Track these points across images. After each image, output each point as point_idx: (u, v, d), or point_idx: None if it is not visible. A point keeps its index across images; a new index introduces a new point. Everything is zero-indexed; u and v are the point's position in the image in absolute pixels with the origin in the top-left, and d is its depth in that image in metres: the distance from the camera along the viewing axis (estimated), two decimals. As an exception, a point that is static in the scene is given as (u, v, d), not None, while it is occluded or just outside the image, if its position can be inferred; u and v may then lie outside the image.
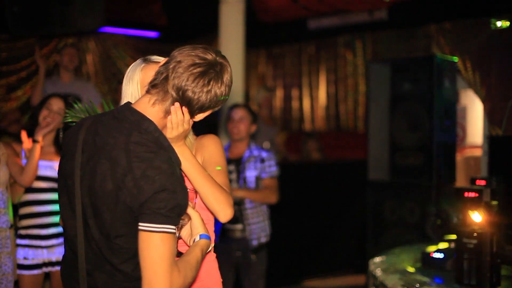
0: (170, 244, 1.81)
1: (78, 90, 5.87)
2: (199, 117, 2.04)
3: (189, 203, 2.03)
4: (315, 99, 8.69)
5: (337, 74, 8.39)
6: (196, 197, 2.23)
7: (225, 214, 2.24)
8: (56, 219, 4.03)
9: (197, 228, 2.02)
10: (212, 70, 1.93)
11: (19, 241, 3.99)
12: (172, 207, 1.81)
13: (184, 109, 1.97)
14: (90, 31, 6.97)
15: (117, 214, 1.84)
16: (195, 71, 1.92)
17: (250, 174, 4.51)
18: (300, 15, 8.00)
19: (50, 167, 4.03)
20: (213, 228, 2.43)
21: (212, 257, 2.45)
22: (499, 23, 5.49)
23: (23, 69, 7.05)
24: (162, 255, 1.79)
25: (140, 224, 1.81)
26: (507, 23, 5.46)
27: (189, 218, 2.03)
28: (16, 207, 4.07)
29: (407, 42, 7.21)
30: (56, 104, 4.04)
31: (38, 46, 6.61)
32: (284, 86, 9.08)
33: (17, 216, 4.07)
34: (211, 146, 2.42)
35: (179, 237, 2.06)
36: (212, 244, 2.24)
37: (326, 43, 8.41)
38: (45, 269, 4.00)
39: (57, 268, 4.01)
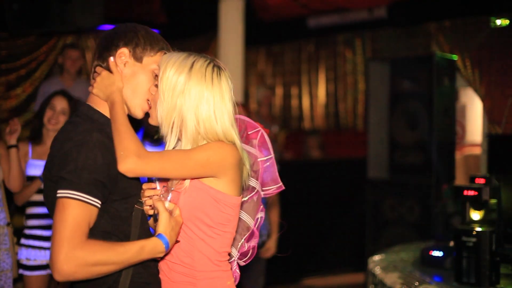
0: (73, 212, 1.78)
1: (80, 92, 5.85)
2: (151, 59, 2.08)
3: (163, 200, 1.99)
4: (315, 97, 8.69)
5: (336, 72, 8.38)
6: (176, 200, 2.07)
7: (123, 163, 1.86)
8: None
9: (158, 226, 1.93)
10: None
11: (23, 241, 3.99)
12: (72, 169, 1.81)
13: (111, 61, 2.04)
14: (89, 29, 6.96)
15: (51, 196, 1.88)
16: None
17: None
18: (299, 13, 8.00)
19: None
20: (226, 243, 2.15)
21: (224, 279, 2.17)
22: (498, 22, 5.49)
23: (23, 67, 7.04)
24: (62, 222, 1.77)
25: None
26: (507, 22, 5.46)
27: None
28: (23, 207, 4.06)
29: (406, 40, 7.21)
30: (60, 104, 4.02)
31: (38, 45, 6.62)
32: (284, 84, 9.07)
33: (24, 216, 4.07)
34: None
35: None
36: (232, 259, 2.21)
37: (326, 41, 8.40)
38: (49, 271, 3.98)
39: None
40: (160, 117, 2.07)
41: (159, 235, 1.91)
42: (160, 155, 1.97)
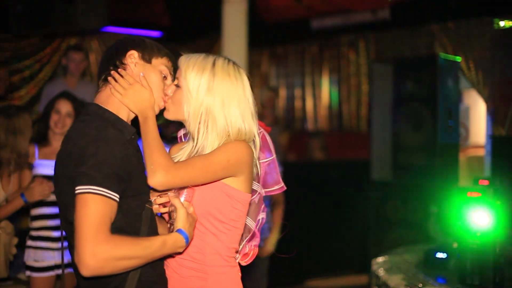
0: (96, 207, 1.79)
1: (85, 93, 5.84)
2: (158, 61, 2.11)
3: (179, 197, 2.02)
4: (318, 99, 8.69)
5: (340, 74, 8.38)
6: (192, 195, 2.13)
7: (153, 177, 1.95)
8: None
9: (177, 221, 1.97)
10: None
11: (30, 243, 3.96)
12: (92, 164, 1.81)
13: (121, 70, 2.06)
14: (93, 31, 6.97)
15: (67, 193, 1.88)
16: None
17: None
18: (303, 14, 8.00)
19: None
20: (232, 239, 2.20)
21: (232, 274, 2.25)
22: (502, 23, 5.49)
23: (26, 69, 7.06)
24: (85, 217, 1.77)
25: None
26: (510, 23, 5.45)
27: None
28: (27, 208, 4.01)
29: (410, 41, 7.20)
30: (65, 107, 4.00)
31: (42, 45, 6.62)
32: (287, 85, 9.07)
33: (29, 217, 4.05)
34: None
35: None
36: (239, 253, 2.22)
37: (329, 43, 8.40)
38: (57, 271, 3.96)
39: (70, 270, 3.93)
40: (187, 115, 2.12)
41: (179, 230, 1.95)
42: (185, 165, 2.03)
